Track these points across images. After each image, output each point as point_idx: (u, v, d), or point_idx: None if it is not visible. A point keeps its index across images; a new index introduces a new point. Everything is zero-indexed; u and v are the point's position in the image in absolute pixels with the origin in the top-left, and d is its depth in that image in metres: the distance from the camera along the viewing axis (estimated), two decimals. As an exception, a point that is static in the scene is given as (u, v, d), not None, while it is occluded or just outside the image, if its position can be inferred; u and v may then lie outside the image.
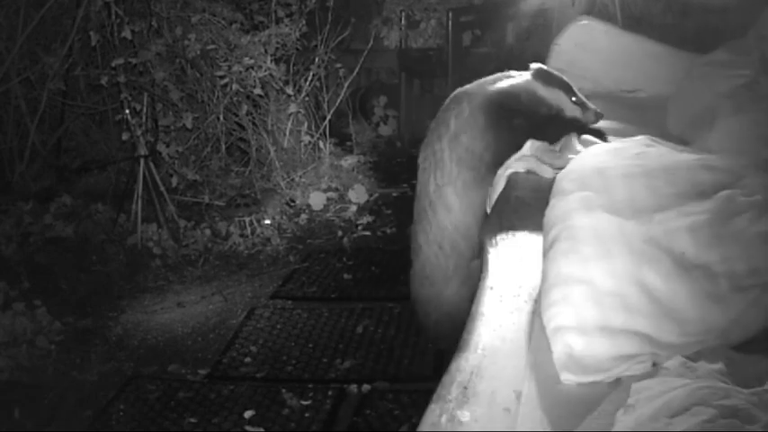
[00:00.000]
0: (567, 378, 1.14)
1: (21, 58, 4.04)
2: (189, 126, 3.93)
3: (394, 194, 4.37)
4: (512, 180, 1.97)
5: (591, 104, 2.12)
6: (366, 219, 4.02)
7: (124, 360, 2.76)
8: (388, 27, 5.28)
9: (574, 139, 2.06)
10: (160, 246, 3.58)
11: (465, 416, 1.05)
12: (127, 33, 3.57)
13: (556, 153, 2.05)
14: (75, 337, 2.89)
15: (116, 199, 3.87)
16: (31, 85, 4.15)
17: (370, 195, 4.34)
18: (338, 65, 4.51)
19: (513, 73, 2.13)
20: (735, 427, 0.93)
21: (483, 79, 2.15)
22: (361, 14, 5.08)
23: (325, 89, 4.63)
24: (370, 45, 4.85)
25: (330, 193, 4.28)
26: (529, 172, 2.00)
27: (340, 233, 3.89)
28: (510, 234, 1.64)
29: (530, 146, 2.10)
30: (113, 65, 3.58)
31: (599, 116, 2.09)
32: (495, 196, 1.96)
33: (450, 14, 4.81)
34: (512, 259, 1.53)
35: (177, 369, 2.69)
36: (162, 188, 3.77)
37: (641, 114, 2.35)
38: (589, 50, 2.71)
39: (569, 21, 3.11)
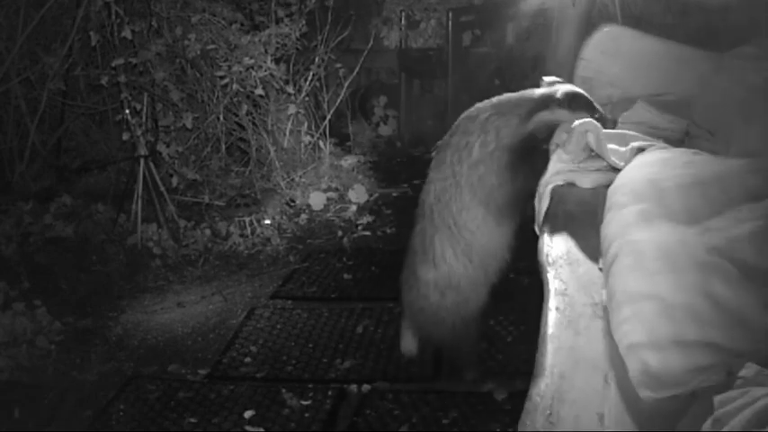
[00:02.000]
0: (646, 395, 1.13)
1: (21, 58, 4.04)
2: (189, 126, 3.93)
3: (394, 194, 4.38)
4: (555, 195, 1.96)
5: (608, 115, 2.18)
6: (366, 219, 4.02)
7: (124, 360, 2.76)
8: (388, 27, 5.28)
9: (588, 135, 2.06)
10: (160, 246, 3.58)
11: None
12: (127, 33, 3.57)
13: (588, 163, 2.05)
14: (75, 337, 2.89)
15: (116, 199, 3.87)
16: (31, 85, 4.15)
17: (370, 195, 4.34)
18: (338, 65, 4.51)
19: (539, 96, 2.15)
20: None
21: (511, 101, 2.18)
22: (361, 14, 5.08)
23: (325, 89, 4.63)
24: (370, 45, 4.85)
25: (330, 193, 4.28)
26: (568, 184, 1.99)
27: (340, 233, 3.89)
28: (565, 251, 1.63)
29: (559, 157, 2.11)
30: (113, 65, 3.58)
31: (614, 125, 2.17)
32: (542, 212, 1.95)
33: (450, 14, 4.81)
34: (571, 277, 1.52)
35: (177, 369, 2.69)
36: (162, 188, 3.77)
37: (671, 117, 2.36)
38: (615, 57, 2.71)
39: (569, 21, 3.11)
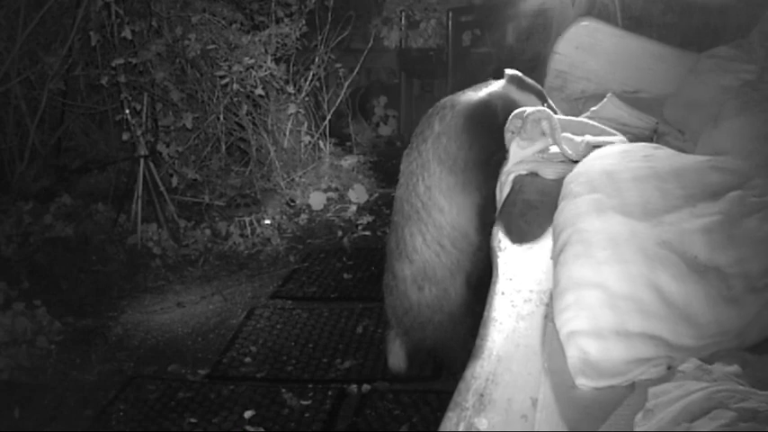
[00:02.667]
0: (583, 383, 1.13)
1: (21, 58, 4.04)
2: (189, 126, 3.93)
3: (394, 194, 4.37)
4: (517, 183, 1.97)
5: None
6: (366, 219, 4.02)
7: (124, 360, 2.76)
8: (388, 27, 5.27)
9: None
10: (160, 246, 3.58)
11: (482, 423, 1.05)
12: (127, 33, 3.57)
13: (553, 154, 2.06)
14: (75, 337, 2.89)
15: (116, 199, 3.87)
16: (31, 85, 4.15)
17: (370, 195, 4.34)
18: (338, 65, 4.51)
19: (492, 82, 2.26)
20: (755, 430, 0.93)
21: (466, 89, 2.27)
22: (361, 14, 5.08)
23: (325, 89, 4.63)
24: (370, 45, 4.85)
25: (330, 193, 4.28)
26: (532, 174, 2.00)
27: (340, 233, 3.89)
28: (518, 238, 1.64)
29: (524, 149, 2.12)
30: (113, 65, 3.58)
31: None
32: (501, 199, 1.96)
33: (450, 14, 4.81)
34: (521, 263, 1.52)
35: (177, 369, 2.69)
36: (162, 188, 3.77)
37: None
38: (591, 52, 2.71)
39: (569, 21, 3.11)
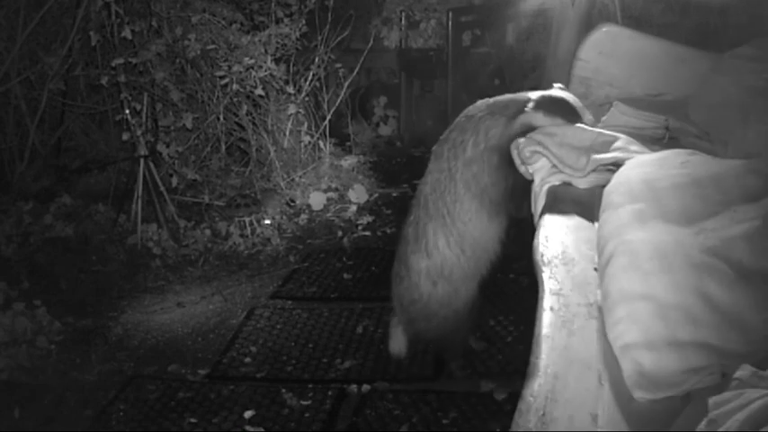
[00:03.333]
0: (641, 396, 1.14)
1: (21, 58, 4.04)
2: (189, 126, 3.93)
3: (394, 194, 4.37)
4: (551, 194, 1.97)
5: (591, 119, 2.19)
6: (366, 219, 4.02)
7: (124, 360, 2.76)
8: (388, 27, 5.27)
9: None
10: (160, 246, 3.58)
11: None
12: (127, 33, 3.57)
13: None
14: (75, 337, 2.89)
15: (116, 199, 3.87)
16: (31, 85, 4.15)
17: (370, 195, 4.34)
18: (338, 65, 4.51)
19: (524, 99, 2.19)
20: None
21: (502, 102, 2.23)
22: (361, 14, 5.08)
23: (325, 89, 4.63)
24: (370, 45, 4.85)
25: (330, 193, 4.28)
26: (565, 184, 2.00)
27: (340, 233, 3.89)
28: (560, 251, 1.63)
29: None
30: (113, 65, 3.58)
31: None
32: (538, 212, 1.96)
33: (450, 14, 4.81)
34: (566, 277, 1.52)
35: (177, 369, 2.69)
36: (162, 188, 3.77)
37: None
38: (613, 57, 2.71)
39: (569, 21, 3.11)
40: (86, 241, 3.58)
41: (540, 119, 2.13)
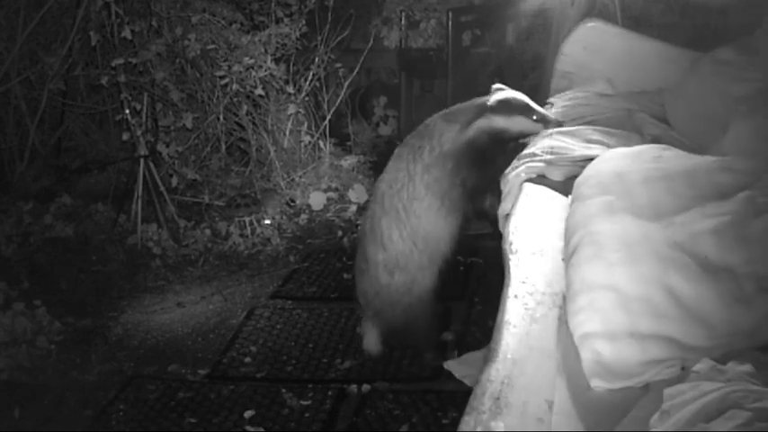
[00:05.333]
0: (598, 385, 1.14)
1: (21, 58, 4.04)
2: (189, 126, 3.93)
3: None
4: (525, 187, 1.98)
5: (551, 116, 2.33)
6: (366, 219, 4.02)
7: (124, 360, 2.76)
8: (388, 27, 5.27)
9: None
10: (160, 246, 3.58)
11: (499, 426, 1.05)
12: (127, 33, 3.57)
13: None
14: (75, 337, 2.89)
15: (116, 199, 3.87)
16: (31, 85, 4.15)
17: (370, 195, 4.33)
18: (338, 65, 4.51)
19: (477, 106, 2.34)
20: None
21: (456, 110, 2.40)
22: (361, 14, 5.08)
23: (325, 89, 4.62)
24: (370, 45, 4.84)
25: (330, 193, 4.28)
26: (539, 176, 2.01)
27: (340, 233, 3.89)
28: (529, 241, 1.63)
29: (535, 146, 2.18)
30: (113, 65, 3.58)
31: (560, 123, 2.30)
32: (509, 203, 1.98)
33: (450, 14, 4.80)
34: (533, 266, 1.52)
35: (177, 369, 2.69)
36: (162, 188, 3.77)
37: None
38: (598, 53, 2.71)
39: (569, 21, 3.11)
40: (86, 241, 3.58)
41: (501, 121, 2.28)
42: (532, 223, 1.74)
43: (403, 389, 2.46)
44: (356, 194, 4.25)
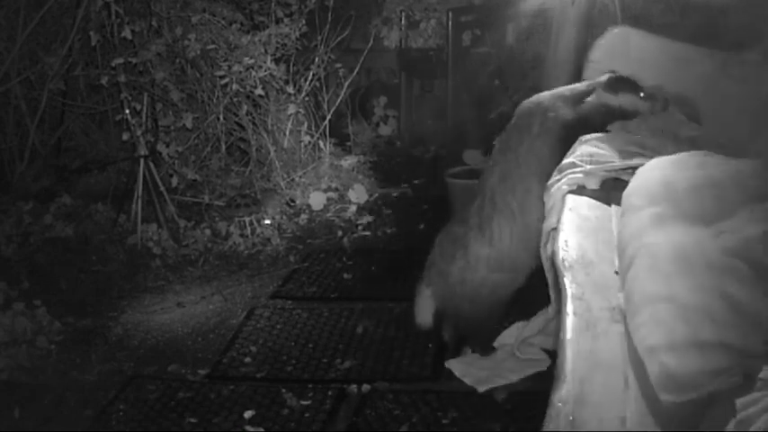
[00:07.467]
0: (667, 398, 1.13)
1: (21, 58, 4.05)
2: (189, 126, 3.93)
3: (394, 194, 4.37)
4: (569, 200, 1.98)
5: (657, 94, 2.35)
6: (366, 219, 4.02)
7: (124, 360, 2.76)
8: (388, 27, 5.27)
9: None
10: (160, 246, 3.58)
11: None
12: (127, 33, 3.57)
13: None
14: (75, 337, 2.89)
15: (116, 199, 3.87)
16: (31, 85, 4.15)
17: (370, 195, 4.34)
18: (338, 65, 4.51)
19: (587, 85, 2.39)
20: None
21: (559, 92, 2.41)
22: (361, 14, 5.08)
23: (325, 89, 4.63)
24: (370, 45, 4.85)
25: (330, 193, 4.28)
26: (579, 187, 2.02)
27: (340, 233, 3.89)
28: (581, 256, 1.63)
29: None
30: (113, 65, 3.58)
31: (667, 103, 2.34)
32: (554, 217, 1.99)
33: (450, 14, 4.80)
34: (587, 281, 1.52)
35: (177, 369, 2.69)
36: (162, 188, 3.77)
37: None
38: (624, 58, 2.72)
39: (569, 21, 3.11)
40: (86, 241, 3.58)
41: (610, 98, 2.33)
42: (581, 237, 1.73)
43: (403, 389, 2.46)
44: (356, 194, 4.26)
